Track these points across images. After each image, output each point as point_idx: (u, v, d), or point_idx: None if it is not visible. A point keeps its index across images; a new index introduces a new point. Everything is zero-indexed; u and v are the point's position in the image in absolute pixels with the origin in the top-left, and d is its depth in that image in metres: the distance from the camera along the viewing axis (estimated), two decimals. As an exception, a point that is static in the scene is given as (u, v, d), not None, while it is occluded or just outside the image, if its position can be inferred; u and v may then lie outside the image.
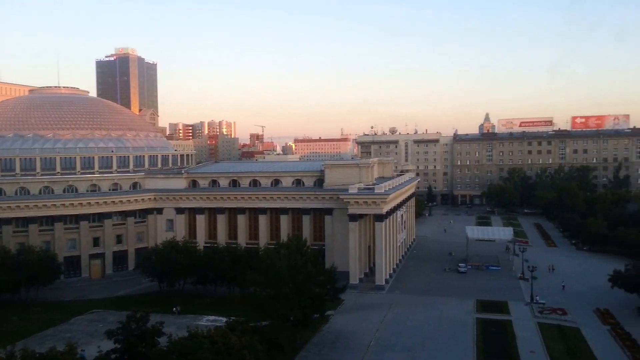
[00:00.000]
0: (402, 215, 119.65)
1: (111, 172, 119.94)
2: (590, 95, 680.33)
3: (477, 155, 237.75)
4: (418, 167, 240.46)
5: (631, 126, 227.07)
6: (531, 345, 67.10)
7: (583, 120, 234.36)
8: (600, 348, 66.42)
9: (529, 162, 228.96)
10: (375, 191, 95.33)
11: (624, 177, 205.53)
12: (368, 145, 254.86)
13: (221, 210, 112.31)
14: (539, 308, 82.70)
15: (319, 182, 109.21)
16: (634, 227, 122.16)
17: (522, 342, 68.39)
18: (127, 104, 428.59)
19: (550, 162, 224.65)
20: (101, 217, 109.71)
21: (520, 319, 77.95)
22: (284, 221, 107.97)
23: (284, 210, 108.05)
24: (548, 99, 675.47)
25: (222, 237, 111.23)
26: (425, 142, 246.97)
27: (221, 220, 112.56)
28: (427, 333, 72.67)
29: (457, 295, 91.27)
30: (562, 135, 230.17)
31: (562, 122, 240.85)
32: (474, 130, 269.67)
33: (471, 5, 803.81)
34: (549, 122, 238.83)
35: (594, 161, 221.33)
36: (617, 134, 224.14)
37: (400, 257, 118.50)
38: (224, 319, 69.02)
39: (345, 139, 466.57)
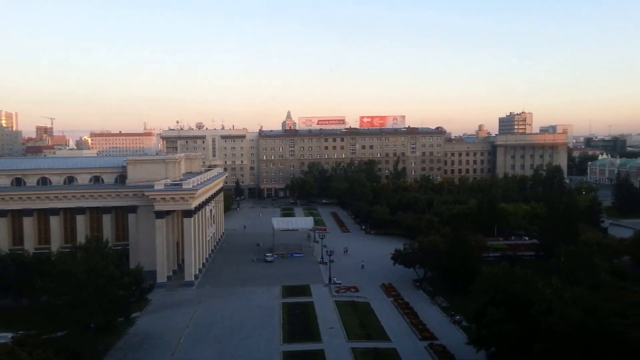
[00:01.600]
0: (211, 209, 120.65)
1: None
2: (373, 97, 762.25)
3: (280, 150, 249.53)
4: (226, 162, 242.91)
5: (407, 125, 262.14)
6: (330, 322, 74.68)
7: (369, 120, 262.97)
8: (386, 317, 77.05)
9: (326, 156, 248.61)
10: (184, 187, 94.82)
11: (402, 170, 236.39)
12: (174, 141, 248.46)
13: (3, 213, 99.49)
14: (336, 288, 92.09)
15: (121, 178, 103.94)
16: (409, 212, 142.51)
17: (322, 320, 75.62)
18: None
19: (343, 156, 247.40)
20: None
21: (321, 299, 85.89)
22: (81, 222, 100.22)
23: (81, 210, 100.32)
24: (341, 100, 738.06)
25: (4, 243, 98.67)
26: (232, 137, 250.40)
27: (3, 224, 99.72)
28: (237, 322, 75.68)
29: (265, 284, 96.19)
30: (352, 132, 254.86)
31: (353, 121, 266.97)
32: (277, 127, 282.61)
33: (270, 12, 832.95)
34: (342, 121, 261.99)
35: (379, 156, 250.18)
36: (396, 132, 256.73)
37: (210, 252, 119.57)
38: (10, 335, 62.85)
39: (149, 134, 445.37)
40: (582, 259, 68.35)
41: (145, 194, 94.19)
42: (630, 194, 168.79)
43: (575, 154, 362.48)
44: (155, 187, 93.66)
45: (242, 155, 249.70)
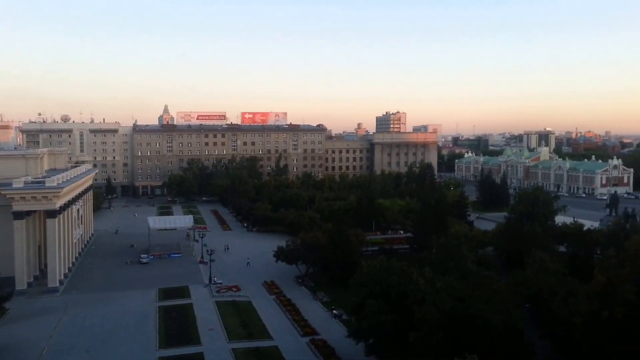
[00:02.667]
0: (78, 209, 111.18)
1: None
2: (255, 93, 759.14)
3: (157, 146, 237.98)
4: (96, 158, 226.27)
5: (289, 122, 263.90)
6: (210, 324, 72.18)
7: (251, 116, 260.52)
8: (268, 316, 76.22)
9: (207, 152, 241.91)
10: (47, 185, 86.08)
11: (284, 166, 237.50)
12: (35, 134, 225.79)
13: None
14: (217, 288, 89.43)
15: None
16: (291, 208, 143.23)
17: (202, 322, 72.91)
18: None
19: (224, 152, 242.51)
20: None
21: (200, 300, 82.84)
22: None
23: None
24: (221, 96, 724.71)
25: None
26: (103, 132, 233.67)
27: None
28: (108, 329, 70.51)
29: (139, 287, 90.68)
30: (234, 128, 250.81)
31: (234, 117, 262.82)
32: (153, 121, 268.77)
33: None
34: (223, 117, 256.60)
35: (260, 152, 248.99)
36: (277, 129, 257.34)
37: (77, 255, 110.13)
38: None
39: (6, 127, 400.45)
40: (452, 250, 72.76)
41: (2, 192, 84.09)
42: (493, 190, 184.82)
43: (445, 152, 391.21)
44: (14, 185, 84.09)
45: (114, 150, 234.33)
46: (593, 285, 51.30)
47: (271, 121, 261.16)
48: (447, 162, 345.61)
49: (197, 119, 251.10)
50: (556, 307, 53.01)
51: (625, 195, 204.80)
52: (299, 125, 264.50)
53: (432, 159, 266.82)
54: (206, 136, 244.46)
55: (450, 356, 40.73)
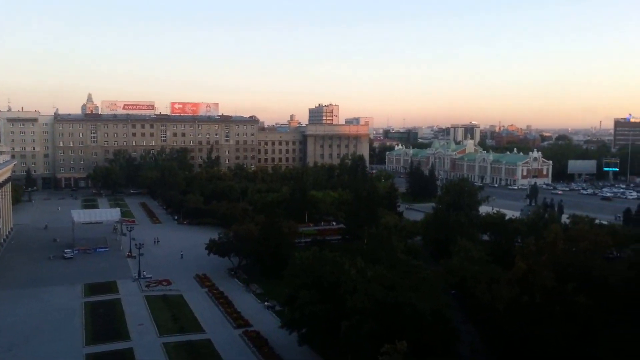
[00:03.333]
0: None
1: None
2: (186, 84, 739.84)
3: (81, 136, 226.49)
4: (14, 148, 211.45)
5: (220, 113, 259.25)
6: (139, 319, 70.14)
7: (181, 106, 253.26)
8: (200, 309, 74.99)
9: (134, 143, 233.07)
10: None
11: (215, 158, 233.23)
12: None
13: None
14: (146, 282, 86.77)
15: None
16: (224, 200, 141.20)
17: (131, 317, 70.75)
18: None
19: (153, 144, 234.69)
20: None
21: (129, 296, 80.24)
22: None
23: None
24: (150, 85, 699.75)
25: None
26: (22, 121, 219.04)
27: None
28: (32, 327, 67.15)
29: (64, 283, 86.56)
30: (163, 119, 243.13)
31: (163, 107, 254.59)
32: (76, 110, 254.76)
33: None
34: (151, 106, 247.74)
35: (191, 144, 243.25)
36: (209, 119, 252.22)
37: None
38: None
39: None
40: (382, 240, 74.58)
41: None
42: (422, 181, 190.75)
43: (376, 144, 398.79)
44: None
45: (34, 141, 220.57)
46: (514, 272, 54.34)
47: (202, 112, 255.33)
48: (379, 154, 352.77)
49: (124, 108, 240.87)
50: (480, 293, 55.70)
51: (544, 186, 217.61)
52: (231, 116, 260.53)
53: (364, 151, 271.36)
54: (133, 126, 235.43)
55: (380, 343, 41.80)
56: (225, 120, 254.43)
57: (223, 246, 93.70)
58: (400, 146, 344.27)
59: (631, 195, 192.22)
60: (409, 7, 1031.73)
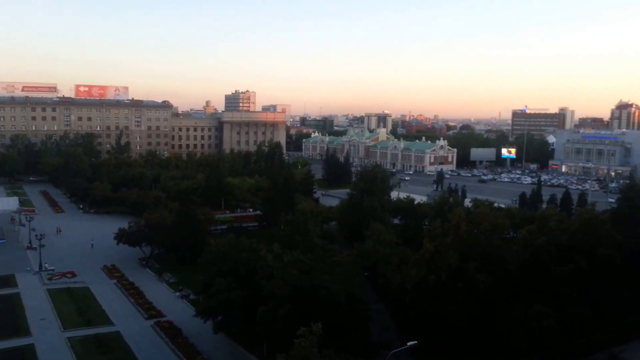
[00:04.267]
0: None
1: None
2: (93, 67, 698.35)
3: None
4: None
5: (130, 97, 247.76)
6: (41, 313, 66.19)
7: (87, 89, 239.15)
8: (108, 301, 71.95)
9: (34, 128, 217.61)
10: None
11: (125, 144, 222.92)
12: None
13: None
14: (49, 275, 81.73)
15: None
16: (134, 188, 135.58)
17: (32, 311, 66.65)
18: None
19: (55, 128, 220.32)
20: None
21: (29, 289, 75.33)
22: None
23: None
24: (52, 66, 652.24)
25: None
26: None
27: None
28: None
29: (-49, 279, 79.13)
30: (67, 102, 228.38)
31: (67, 90, 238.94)
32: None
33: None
34: (54, 89, 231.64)
35: (98, 129, 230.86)
36: (118, 103, 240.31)
37: None
38: None
39: None
40: (299, 226, 75.26)
41: None
42: (337, 168, 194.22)
43: (293, 131, 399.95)
44: None
45: None
46: (422, 253, 57.03)
47: (110, 96, 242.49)
48: (295, 141, 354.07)
49: (23, 90, 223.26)
50: (390, 274, 57.98)
51: (449, 172, 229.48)
52: (142, 100, 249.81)
53: (281, 138, 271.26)
54: (33, 110, 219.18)
55: (296, 327, 42.34)
56: (136, 104, 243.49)
57: (134, 235, 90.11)
58: (316, 134, 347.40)
59: (526, 181, 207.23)
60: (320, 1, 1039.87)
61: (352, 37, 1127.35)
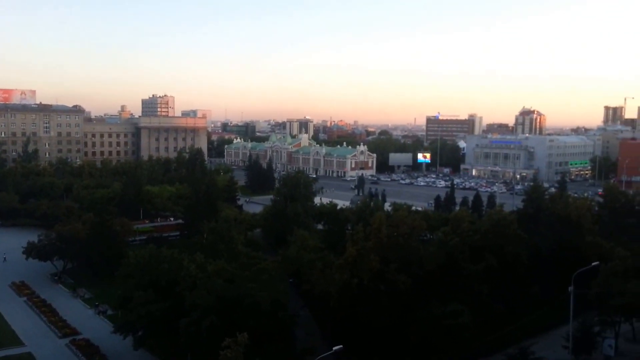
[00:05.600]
0: None
1: None
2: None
3: None
4: None
5: (38, 101, 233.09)
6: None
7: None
8: (18, 320, 67.69)
9: None
10: None
11: (33, 151, 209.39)
12: None
13: None
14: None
15: None
16: (44, 199, 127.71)
17: None
18: None
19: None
20: None
21: None
22: None
23: None
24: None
25: None
26: None
27: None
28: None
29: None
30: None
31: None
32: None
33: None
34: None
35: (3, 135, 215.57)
36: (24, 108, 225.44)
37: None
38: None
39: None
40: (222, 234, 74.45)
41: None
42: (260, 174, 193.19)
43: (214, 137, 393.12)
44: None
45: None
46: (345, 257, 58.40)
47: (16, 100, 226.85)
48: (217, 147, 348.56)
49: None
50: (315, 280, 58.81)
51: (369, 177, 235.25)
52: (51, 105, 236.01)
53: (202, 144, 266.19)
54: None
55: (221, 337, 41.96)
56: (44, 109, 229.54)
57: (44, 249, 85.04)
58: (238, 140, 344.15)
59: (440, 184, 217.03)
60: (248, 4, 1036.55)
61: (269, 41, 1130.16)
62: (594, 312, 57.92)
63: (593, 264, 55.66)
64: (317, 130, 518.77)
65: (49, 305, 72.33)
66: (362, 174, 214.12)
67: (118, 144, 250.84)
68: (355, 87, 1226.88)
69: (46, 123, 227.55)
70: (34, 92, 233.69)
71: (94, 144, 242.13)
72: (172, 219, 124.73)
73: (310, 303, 63.79)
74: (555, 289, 62.90)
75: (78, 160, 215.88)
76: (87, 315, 70.74)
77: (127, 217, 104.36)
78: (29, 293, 77.54)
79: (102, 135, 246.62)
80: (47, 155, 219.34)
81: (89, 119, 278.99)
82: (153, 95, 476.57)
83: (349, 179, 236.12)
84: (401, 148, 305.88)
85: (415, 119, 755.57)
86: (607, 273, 57.04)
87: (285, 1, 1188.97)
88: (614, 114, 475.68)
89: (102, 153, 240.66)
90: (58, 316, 68.47)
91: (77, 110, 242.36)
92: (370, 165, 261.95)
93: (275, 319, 51.77)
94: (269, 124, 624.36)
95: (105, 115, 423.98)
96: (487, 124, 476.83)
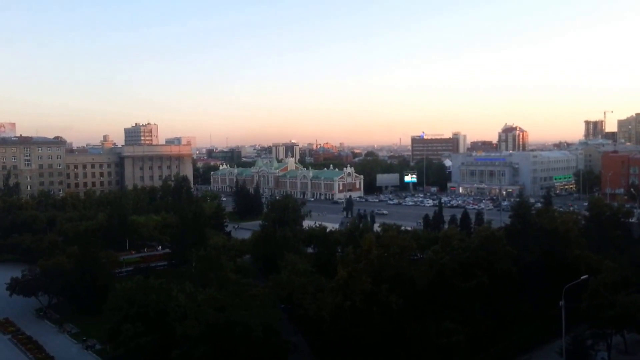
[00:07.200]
0: None
1: None
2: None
3: None
4: None
5: (18, 134, 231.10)
6: None
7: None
8: (3, 359, 65.54)
9: None
10: None
11: (14, 185, 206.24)
12: None
13: None
14: None
15: None
16: (27, 233, 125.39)
17: None
18: None
19: None
20: None
21: None
22: None
23: None
24: None
25: None
26: None
27: None
28: None
29: None
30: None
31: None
32: None
33: None
34: None
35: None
36: (4, 141, 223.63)
37: None
38: None
39: None
40: (211, 262, 73.61)
41: None
42: (248, 200, 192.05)
43: (200, 164, 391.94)
44: None
45: None
46: (337, 280, 57.99)
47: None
48: (203, 174, 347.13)
49: None
50: (307, 304, 58.20)
51: (357, 199, 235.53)
52: (31, 137, 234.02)
53: (188, 171, 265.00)
54: None
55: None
56: (25, 142, 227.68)
57: (28, 284, 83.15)
58: (224, 166, 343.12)
59: (428, 203, 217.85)
60: (223, 25, 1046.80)
61: (251, 66, 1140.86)
62: (585, 325, 57.96)
63: (582, 277, 55.92)
64: (303, 154, 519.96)
65: (35, 342, 70.38)
66: (350, 196, 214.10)
67: (101, 174, 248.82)
68: (339, 109, 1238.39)
69: (27, 156, 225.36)
70: (13, 124, 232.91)
71: (76, 175, 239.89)
72: (159, 248, 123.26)
73: (304, 328, 62.99)
74: (545, 302, 62.98)
75: (61, 192, 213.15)
76: (75, 350, 68.87)
77: (113, 249, 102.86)
78: (14, 330, 75.51)
79: (84, 166, 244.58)
80: (28, 188, 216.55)
81: (70, 150, 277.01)
82: (136, 124, 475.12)
83: (337, 201, 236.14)
84: (388, 168, 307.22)
85: (400, 139, 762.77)
86: (596, 285, 57.35)
87: (264, 24, 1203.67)
88: (594, 127, 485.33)
89: (85, 184, 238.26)
90: (45, 353, 66.62)
91: (58, 141, 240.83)
92: (357, 186, 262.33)
93: (268, 345, 51.00)
94: (254, 149, 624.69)
95: (87, 145, 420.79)
96: (471, 142, 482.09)
